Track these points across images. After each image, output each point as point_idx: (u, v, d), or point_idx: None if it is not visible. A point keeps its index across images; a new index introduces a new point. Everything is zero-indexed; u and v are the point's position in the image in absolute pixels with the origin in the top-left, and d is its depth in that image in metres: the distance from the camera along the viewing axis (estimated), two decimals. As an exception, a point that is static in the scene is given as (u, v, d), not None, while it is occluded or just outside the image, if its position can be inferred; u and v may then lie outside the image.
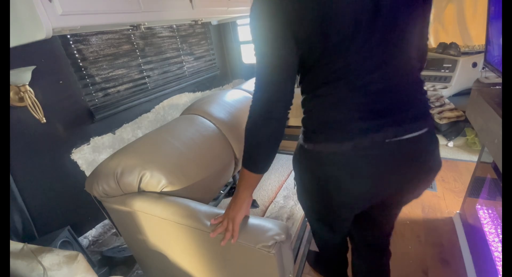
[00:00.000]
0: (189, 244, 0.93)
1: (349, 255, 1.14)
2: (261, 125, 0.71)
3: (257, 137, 0.73)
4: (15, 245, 0.75)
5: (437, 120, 2.40)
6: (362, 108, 0.65)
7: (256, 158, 0.76)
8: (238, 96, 1.60)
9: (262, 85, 0.68)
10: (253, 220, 0.85)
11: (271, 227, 0.81)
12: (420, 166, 0.71)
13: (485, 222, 1.22)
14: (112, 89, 1.79)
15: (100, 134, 1.74)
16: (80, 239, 1.66)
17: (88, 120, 1.66)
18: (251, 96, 0.76)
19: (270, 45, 0.63)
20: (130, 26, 1.25)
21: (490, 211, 1.23)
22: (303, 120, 0.76)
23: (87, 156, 1.67)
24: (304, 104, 0.75)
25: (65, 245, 1.31)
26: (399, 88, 0.66)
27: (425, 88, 0.72)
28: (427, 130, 0.69)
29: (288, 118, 0.73)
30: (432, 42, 2.82)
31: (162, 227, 0.95)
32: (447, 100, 2.50)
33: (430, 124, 0.70)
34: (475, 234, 1.30)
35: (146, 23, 1.25)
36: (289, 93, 0.70)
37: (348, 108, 0.66)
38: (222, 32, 2.87)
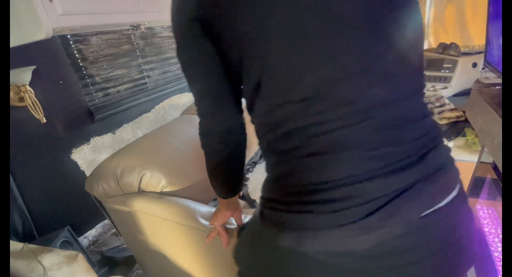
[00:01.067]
0: (189, 244, 0.93)
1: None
2: (209, 154, 0.56)
3: (209, 162, 0.59)
4: (15, 245, 0.75)
5: (437, 121, 2.40)
6: (371, 154, 0.37)
7: (215, 182, 0.64)
8: (238, 96, 1.59)
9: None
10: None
11: (271, 227, 0.81)
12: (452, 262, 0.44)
13: (485, 222, 1.22)
14: (112, 89, 1.79)
15: (100, 134, 1.73)
16: (80, 239, 1.66)
17: (88, 120, 1.66)
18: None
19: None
20: (130, 26, 1.25)
21: (490, 211, 1.23)
22: (265, 186, 0.48)
23: (87, 156, 1.67)
24: (265, 154, 0.48)
25: (65, 245, 1.31)
26: (409, 115, 0.40)
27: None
28: (459, 191, 0.42)
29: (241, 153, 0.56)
30: (432, 42, 2.82)
31: (162, 227, 0.95)
32: (447, 100, 2.50)
33: (459, 179, 0.43)
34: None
35: (146, 23, 1.25)
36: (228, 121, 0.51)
37: (351, 153, 0.37)
38: (222, 32, 2.87)
